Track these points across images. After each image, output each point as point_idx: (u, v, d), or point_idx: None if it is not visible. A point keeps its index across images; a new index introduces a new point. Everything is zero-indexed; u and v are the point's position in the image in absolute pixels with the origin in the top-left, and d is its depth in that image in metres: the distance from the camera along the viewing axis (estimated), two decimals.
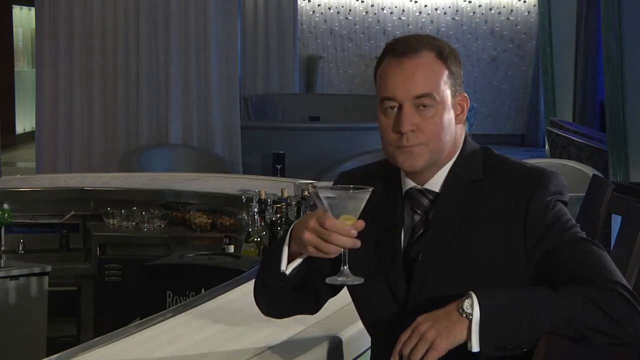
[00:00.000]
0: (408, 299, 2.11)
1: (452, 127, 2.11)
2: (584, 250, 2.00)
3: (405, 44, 2.09)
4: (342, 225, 1.99)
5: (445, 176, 2.13)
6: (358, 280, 2.05)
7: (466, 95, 2.13)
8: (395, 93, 2.07)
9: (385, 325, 2.15)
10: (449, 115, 2.09)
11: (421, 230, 2.13)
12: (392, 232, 2.15)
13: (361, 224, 2.02)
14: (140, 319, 2.67)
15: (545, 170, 2.11)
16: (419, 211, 2.13)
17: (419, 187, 2.14)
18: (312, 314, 2.31)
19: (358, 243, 2.01)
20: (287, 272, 2.10)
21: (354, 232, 2.00)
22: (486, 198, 2.08)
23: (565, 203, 2.09)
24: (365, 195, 2.02)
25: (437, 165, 2.12)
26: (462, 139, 2.15)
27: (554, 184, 2.07)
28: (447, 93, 2.09)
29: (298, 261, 2.10)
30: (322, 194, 2.02)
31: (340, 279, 2.05)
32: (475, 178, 2.11)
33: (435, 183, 2.13)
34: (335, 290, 2.27)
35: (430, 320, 1.90)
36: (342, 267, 2.05)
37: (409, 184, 2.15)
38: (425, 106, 2.06)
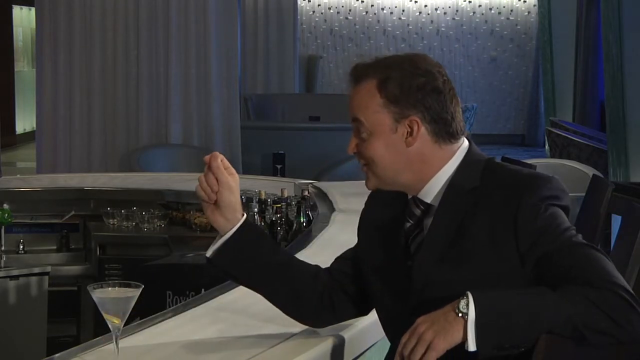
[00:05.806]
0: (411, 299, 2.15)
1: (397, 151, 2.14)
2: (579, 254, 2.00)
3: (354, 71, 2.19)
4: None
5: (442, 187, 2.16)
6: None
7: (417, 118, 2.12)
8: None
9: (397, 325, 2.18)
10: (388, 140, 2.14)
11: (413, 235, 2.19)
12: (395, 235, 2.22)
13: None
14: (140, 319, 2.66)
15: (541, 175, 2.11)
16: (410, 220, 2.20)
17: (414, 196, 2.20)
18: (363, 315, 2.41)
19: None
20: (208, 254, 2.42)
21: None
22: (481, 204, 2.11)
23: (563, 207, 2.08)
24: (130, 295, 2.09)
25: (400, 184, 2.18)
26: (438, 155, 2.16)
27: (547, 188, 2.07)
28: (382, 119, 2.13)
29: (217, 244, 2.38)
30: (92, 293, 2.07)
31: None
32: (472, 186, 2.14)
33: (427, 194, 2.18)
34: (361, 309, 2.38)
35: (429, 321, 1.92)
36: None
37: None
38: (359, 130, 2.16)
